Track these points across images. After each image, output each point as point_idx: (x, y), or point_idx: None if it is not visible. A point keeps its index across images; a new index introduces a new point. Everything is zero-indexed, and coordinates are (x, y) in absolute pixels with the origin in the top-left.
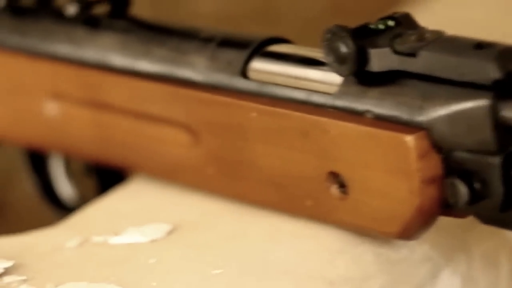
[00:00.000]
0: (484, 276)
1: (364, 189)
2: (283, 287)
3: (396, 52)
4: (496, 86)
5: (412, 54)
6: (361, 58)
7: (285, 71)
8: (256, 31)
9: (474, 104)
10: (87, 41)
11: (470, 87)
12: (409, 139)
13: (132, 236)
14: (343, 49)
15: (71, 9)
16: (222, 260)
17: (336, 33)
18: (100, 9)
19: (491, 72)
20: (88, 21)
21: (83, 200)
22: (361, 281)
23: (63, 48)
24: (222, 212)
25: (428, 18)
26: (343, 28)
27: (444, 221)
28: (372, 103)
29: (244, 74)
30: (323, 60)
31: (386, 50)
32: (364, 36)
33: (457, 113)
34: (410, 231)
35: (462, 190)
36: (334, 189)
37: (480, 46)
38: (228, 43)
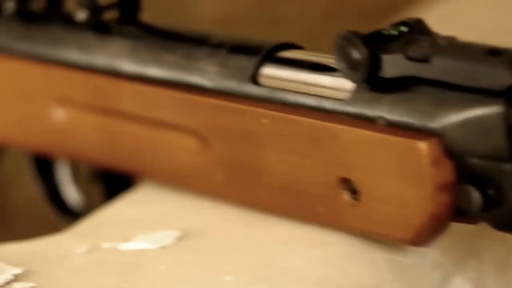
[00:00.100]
0: (495, 281)
1: (376, 195)
2: None
3: (409, 58)
4: (510, 93)
5: (425, 60)
6: (374, 64)
7: (296, 77)
8: (258, 33)
9: (487, 110)
10: (96, 47)
11: (483, 94)
12: (422, 146)
13: (141, 243)
14: (356, 55)
15: (81, 15)
16: (233, 267)
17: (349, 39)
18: (110, 15)
19: (505, 78)
20: (98, 27)
21: (89, 206)
22: None
23: (73, 54)
24: (233, 218)
25: (430, 20)
26: (355, 34)
27: (455, 227)
28: (385, 109)
29: (255, 80)
30: (335, 66)
31: (399, 56)
32: (376, 42)
33: (470, 120)
34: (422, 237)
35: (475, 196)
36: (346, 196)
37: (493, 53)
38: (238, 49)
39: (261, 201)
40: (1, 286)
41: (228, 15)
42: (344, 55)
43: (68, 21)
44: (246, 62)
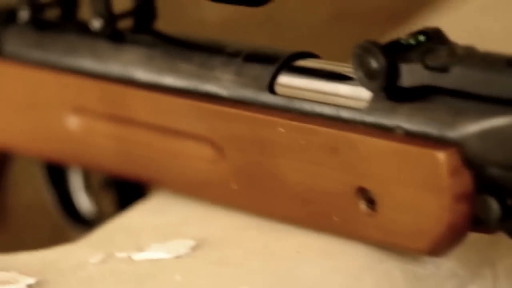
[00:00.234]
0: None
1: (393, 205)
2: None
3: (428, 68)
4: None
5: (444, 70)
6: (392, 73)
7: (313, 86)
8: (262, 37)
9: (506, 120)
10: (111, 56)
11: (502, 104)
12: (441, 156)
13: (156, 252)
14: (374, 64)
15: (96, 24)
16: (248, 277)
17: (367, 48)
18: (125, 24)
19: None
20: (113, 35)
21: (101, 214)
22: None
23: (87, 63)
24: (247, 227)
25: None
26: (374, 43)
27: (469, 237)
28: (403, 119)
29: (271, 89)
30: (352, 75)
31: (417, 66)
32: (394, 51)
33: (489, 130)
34: (440, 247)
35: (494, 206)
36: (363, 205)
37: None
38: (254, 58)
39: (276, 210)
40: None
41: (232, 19)
42: (362, 64)
43: (83, 30)
44: (262, 71)
